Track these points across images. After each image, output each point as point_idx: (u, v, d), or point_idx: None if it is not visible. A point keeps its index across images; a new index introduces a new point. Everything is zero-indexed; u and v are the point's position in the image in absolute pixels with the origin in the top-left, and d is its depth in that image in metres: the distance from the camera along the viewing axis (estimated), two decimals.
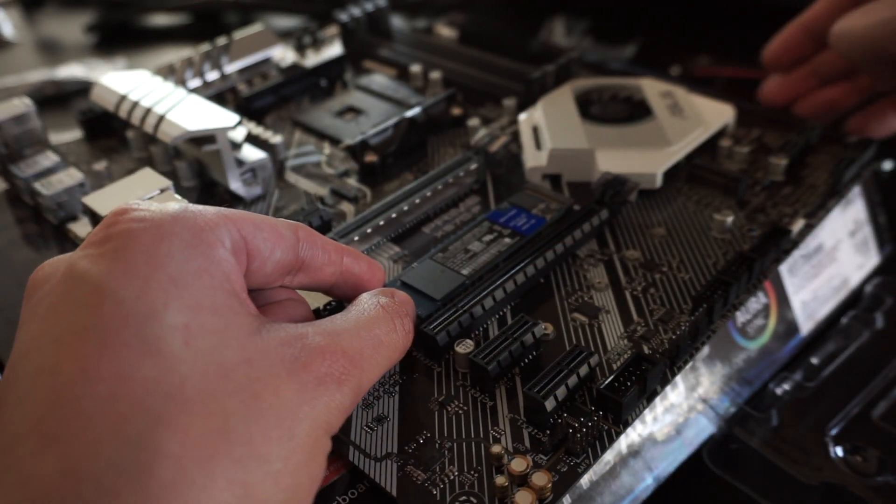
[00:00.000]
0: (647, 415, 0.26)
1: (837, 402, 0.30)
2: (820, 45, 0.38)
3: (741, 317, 0.29)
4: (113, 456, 0.17)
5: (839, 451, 0.28)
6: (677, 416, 0.27)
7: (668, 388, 0.27)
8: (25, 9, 0.76)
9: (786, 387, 0.31)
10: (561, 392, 0.24)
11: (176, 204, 0.21)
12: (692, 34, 0.39)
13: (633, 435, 0.26)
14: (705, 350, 0.28)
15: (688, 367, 0.27)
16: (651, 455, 0.26)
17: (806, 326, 0.33)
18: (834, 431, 0.29)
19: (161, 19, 0.71)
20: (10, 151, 0.38)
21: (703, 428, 0.29)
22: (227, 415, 0.18)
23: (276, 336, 0.20)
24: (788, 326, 0.32)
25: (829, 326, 0.34)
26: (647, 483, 0.27)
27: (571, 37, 0.54)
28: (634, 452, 0.26)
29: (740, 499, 0.27)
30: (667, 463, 0.27)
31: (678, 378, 0.27)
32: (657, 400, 0.26)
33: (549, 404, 0.24)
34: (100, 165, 0.39)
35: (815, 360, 0.32)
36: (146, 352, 0.18)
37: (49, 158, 0.37)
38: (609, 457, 0.25)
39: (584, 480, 0.24)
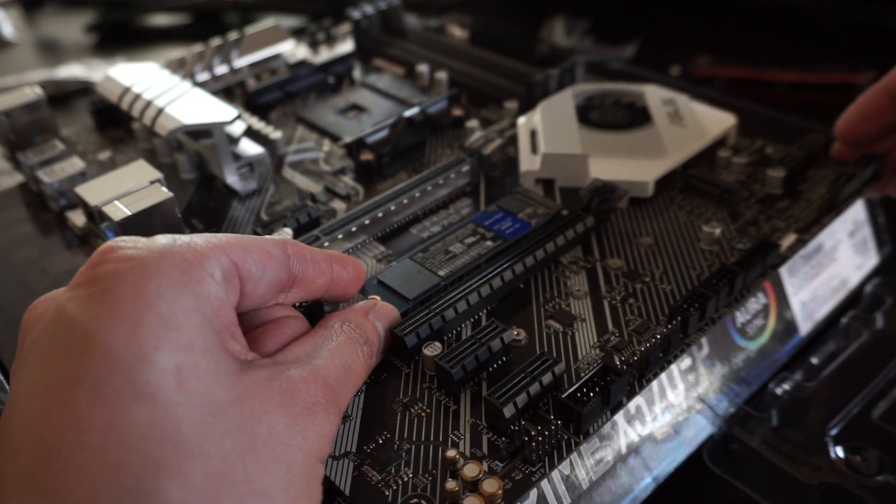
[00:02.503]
0: (647, 414, 0.26)
1: (837, 402, 0.30)
2: None
3: (740, 317, 0.29)
4: None
5: (839, 451, 0.28)
6: (676, 416, 0.27)
7: (667, 388, 0.26)
8: (25, 9, 0.78)
9: (786, 387, 0.30)
10: (521, 399, 0.24)
11: (164, 238, 0.21)
12: (692, 34, 0.39)
13: (631, 434, 0.26)
14: (705, 350, 0.28)
15: (686, 366, 0.27)
16: (650, 454, 0.26)
17: (805, 327, 0.32)
18: (834, 431, 0.29)
19: (161, 19, 0.72)
20: (19, 139, 0.39)
21: (702, 428, 0.29)
22: (225, 455, 0.18)
23: (262, 371, 0.21)
24: (787, 326, 0.31)
25: (828, 326, 0.33)
26: (647, 483, 0.27)
27: (571, 37, 0.53)
28: (633, 452, 0.26)
29: (740, 499, 0.27)
30: (666, 463, 0.27)
31: (677, 378, 0.27)
32: (656, 399, 0.26)
33: (508, 411, 0.24)
34: (104, 155, 0.40)
35: (814, 360, 0.32)
36: (139, 397, 0.18)
37: (55, 147, 0.38)
38: (609, 456, 0.25)
39: (584, 480, 0.24)
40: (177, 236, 0.21)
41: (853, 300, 0.35)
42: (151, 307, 0.19)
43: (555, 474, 0.23)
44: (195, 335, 0.19)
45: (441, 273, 0.29)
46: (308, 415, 0.21)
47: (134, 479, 0.17)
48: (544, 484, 0.23)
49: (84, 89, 0.58)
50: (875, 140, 0.34)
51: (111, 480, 0.17)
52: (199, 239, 0.21)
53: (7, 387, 0.27)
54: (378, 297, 0.28)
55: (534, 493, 0.23)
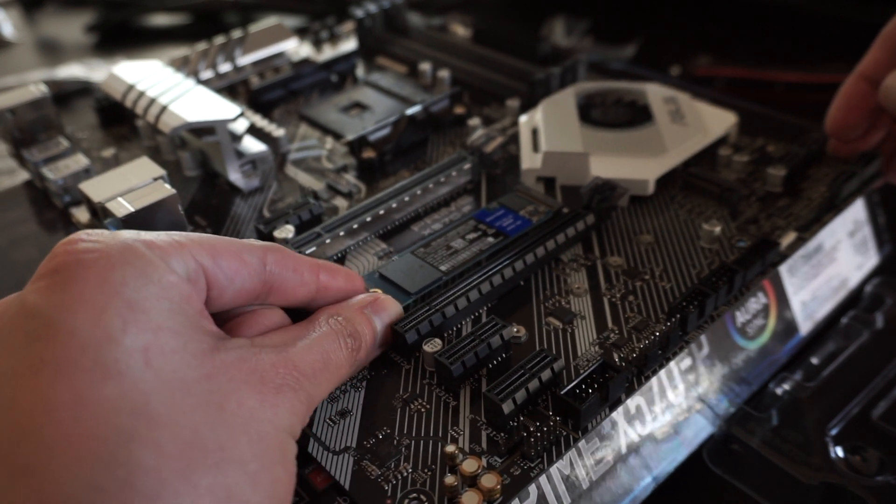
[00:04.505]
0: (647, 415, 0.26)
1: (837, 402, 0.30)
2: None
3: (740, 317, 0.29)
4: (88, 476, 0.17)
5: (839, 451, 0.28)
6: (676, 416, 0.27)
7: (667, 388, 0.27)
8: (25, 9, 0.78)
9: (786, 387, 0.31)
10: (520, 395, 0.24)
11: (126, 233, 0.21)
12: (692, 34, 0.39)
13: (631, 434, 0.26)
14: (705, 350, 0.28)
15: (686, 366, 0.27)
16: (649, 454, 0.26)
17: (805, 327, 0.32)
18: (834, 431, 0.29)
19: (161, 19, 0.72)
20: (24, 136, 0.39)
21: (702, 428, 0.29)
22: (195, 426, 0.19)
23: (233, 353, 0.21)
24: (788, 327, 0.32)
25: (828, 326, 0.33)
26: (647, 483, 0.27)
27: (572, 37, 0.54)
28: (633, 452, 0.26)
29: (740, 499, 0.27)
30: (666, 463, 0.27)
31: (677, 377, 0.27)
32: (656, 399, 0.26)
33: (507, 407, 0.24)
34: (107, 152, 0.40)
35: (815, 360, 0.32)
36: (106, 374, 0.18)
37: (60, 144, 0.39)
38: (609, 456, 0.25)
39: (584, 479, 0.24)
40: (141, 232, 0.21)
41: (852, 300, 0.35)
42: (117, 294, 0.19)
43: (555, 474, 0.23)
44: (163, 319, 0.19)
45: (443, 268, 0.30)
46: (278, 393, 0.21)
47: (106, 450, 0.17)
48: (544, 483, 0.23)
49: (84, 89, 0.58)
50: (865, 128, 0.35)
51: (84, 453, 0.17)
52: (164, 236, 0.21)
53: None
54: (380, 291, 0.28)
55: (534, 494, 0.23)
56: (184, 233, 0.22)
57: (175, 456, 0.18)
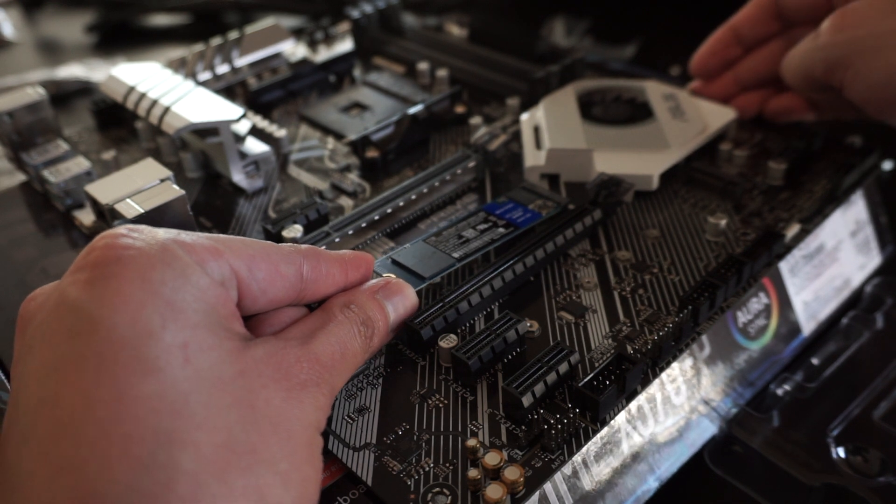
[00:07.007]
0: (650, 417, 0.26)
1: (838, 403, 0.30)
2: (744, 49, 0.39)
3: (742, 317, 0.29)
4: (127, 478, 0.17)
5: (841, 452, 0.28)
6: (680, 418, 0.27)
7: (670, 391, 0.27)
8: (25, 9, 0.77)
9: (787, 387, 0.31)
10: (539, 389, 0.24)
11: (166, 232, 0.21)
12: (692, 34, 0.39)
13: (635, 437, 0.26)
14: (707, 350, 0.28)
15: (688, 367, 0.27)
16: (654, 457, 0.27)
17: (808, 327, 0.33)
18: (835, 432, 0.29)
19: (161, 19, 0.72)
20: (22, 139, 0.39)
21: (706, 429, 0.29)
22: (230, 427, 0.19)
23: (261, 350, 0.21)
24: (790, 327, 0.32)
25: (829, 327, 0.33)
26: (650, 484, 0.27)
27: (571, 37, 0.54)
28: (636, 454, 0.26)
29: (742, 500, 0.28)
30: (669, 464, 0.27)
31: (680, 380, 0.27)
32: (659, 402, 0.26)
33: (526, 400, 0.24)
34: (108, 155, 0.40)
35: (815, 361, 0.32)
36: (146, 371, 0.18)
37: (59, 147, 0.38)
38: (612, 458, 0.25)
39: (587, 481, 0.24)
40: (180, 232, 0.21)
41: (856, 300, 0.35)
42: (156, 292, 0.19)
43: (557, 475, 0.23)
44: (200, 317, 0.20)
45: (455, 255, 0.30)
46: (302, 388, 0.21)
47: (146, 451, 0.17)
48: (546, 485, 0.23)
49: (84, 89, 0.58)
50: (720, 73, 0.40)
51: (124, 452, 0.17)
52: (204, 240, 0.22)
53: (8, 385, 0.27)
54: (393, 276, 0.28)
55: (535, 495, 0.23)
56: (223, 236, 0.22)
57: (212, 459, 0.18)
